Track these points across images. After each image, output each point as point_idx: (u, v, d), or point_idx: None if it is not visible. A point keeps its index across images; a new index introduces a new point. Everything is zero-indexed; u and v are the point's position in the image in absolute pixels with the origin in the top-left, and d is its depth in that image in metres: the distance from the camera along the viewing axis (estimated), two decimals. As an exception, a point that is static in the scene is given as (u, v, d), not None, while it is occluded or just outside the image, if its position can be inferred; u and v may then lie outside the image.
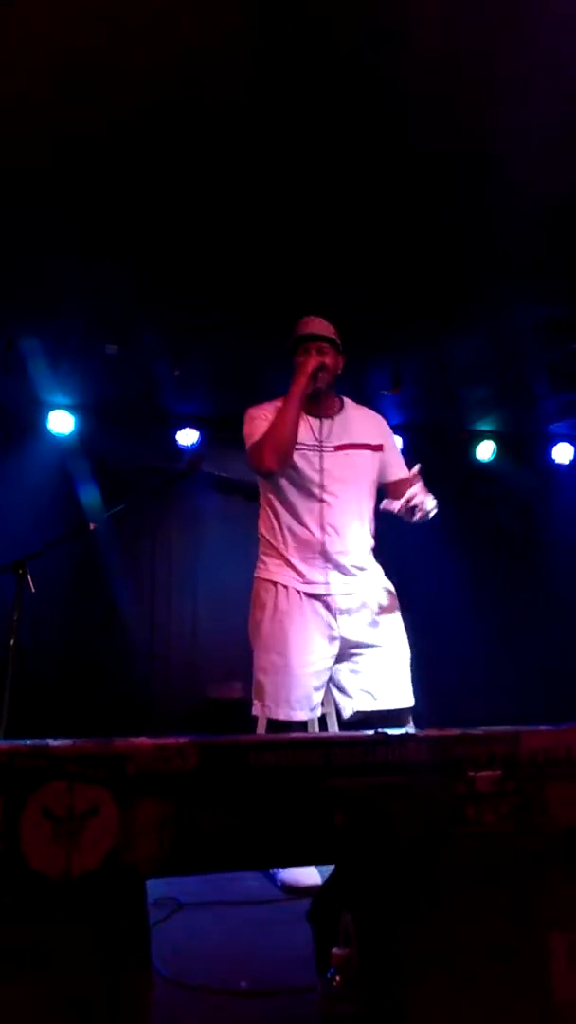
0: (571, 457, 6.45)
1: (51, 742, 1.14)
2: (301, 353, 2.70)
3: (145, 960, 1.26)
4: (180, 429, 5.67)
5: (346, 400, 2.87)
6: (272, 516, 2.76)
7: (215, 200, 3.58)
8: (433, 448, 6.37)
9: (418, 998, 1.19)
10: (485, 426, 6.42)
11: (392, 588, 2.80)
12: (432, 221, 3.73)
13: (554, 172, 3.33)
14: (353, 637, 2.66)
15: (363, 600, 2.68)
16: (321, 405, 2.74)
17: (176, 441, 5.67)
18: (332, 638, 2.65)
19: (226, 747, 1.24)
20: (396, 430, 6.18)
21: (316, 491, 2.65)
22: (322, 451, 2.66)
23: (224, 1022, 1.74)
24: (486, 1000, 1.15)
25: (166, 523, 5.82)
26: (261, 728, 2.64)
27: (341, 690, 2.67)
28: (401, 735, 1.25)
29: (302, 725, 2.59)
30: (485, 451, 6.39)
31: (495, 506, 6.39)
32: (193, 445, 5.69)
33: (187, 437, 5.67)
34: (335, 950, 1.41)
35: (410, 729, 2.69)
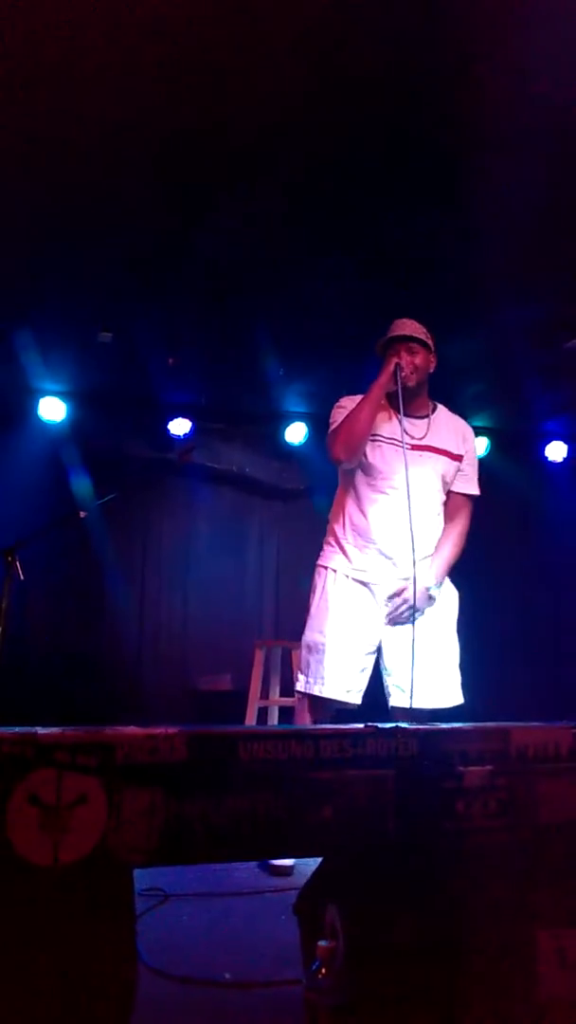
0: (564, 455, 6.46)
1: (39, 730, 1.13)
2: (391, 355, 2.76)
3: (131, 949, 1.26)
4: (172, 419, 5.65)
5: (440, 406, 2.95)
6: (341, 504, 2.83)
7: (210, 187, 3.56)
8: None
9: (403, 991, 1.19)
10: (478, 422, 6.43)
11: (454, 591, 2.86)
12: (426, 219, 3.73)
13: (549, 174, 3.34)
14: (397, 629, 2.71)
15: (411, 596, 2.66)
16: (413, 404, 2.80)
17: (168, 431, 5.65)
18: (376, 625, 2.71)
19: (215, 738, 1.23)
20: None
21: (386, 485, 2.71)
22: (403, 448, 2.69)
23: (208, 1013, 1.74)
24: (471, 997, 1.15)
25: (156, 513, 5.80)
26: (301, 706, 2.73)
27: (387, 682, 2.74)
28: (391, 728, 1.25)
29: (340, 706, 2.66)
30: (478, 447, 6.40)
31: (489, 503, 6.39)
32: (185, 435, 5.67)
33: (179, 427, 5.65)
34: (321, 943, 1.41)
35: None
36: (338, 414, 2.79)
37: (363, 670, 2.68)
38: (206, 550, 5.73)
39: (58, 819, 1.08)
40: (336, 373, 5.53)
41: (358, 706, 2.66)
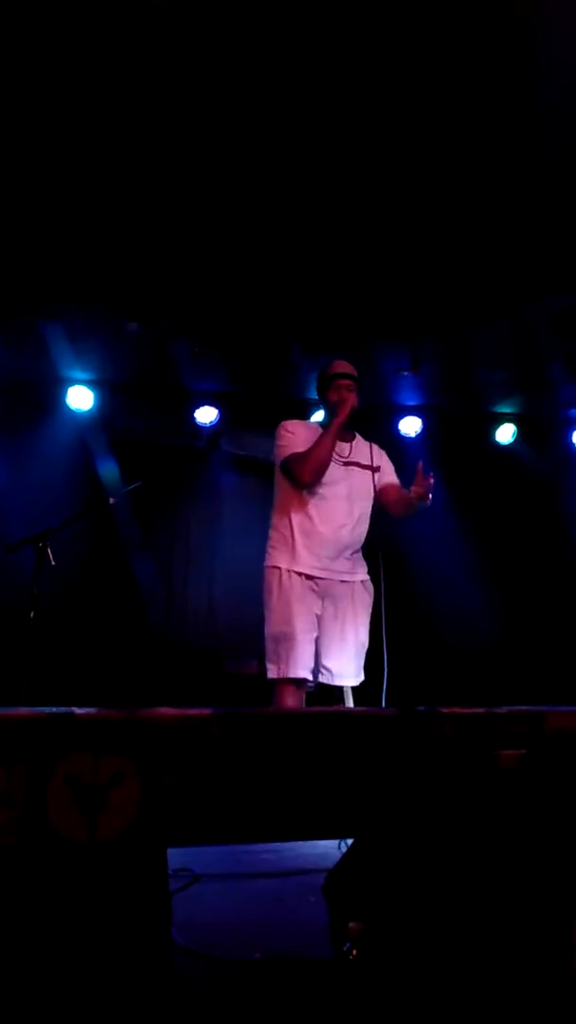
0: (591, 441, 6.39)
1: (76, 711, 1.15)
2: (333, 390, 3.28)
3: (165, 927, 1.28)
4: (199, 407, 5.66)
5: (357, 433, 3.46)
6: (286, 510, 3.26)
7: (239, 179, 3.56)
8: (452, 430, 6.34)
9: (437, 975, 1.20)
10: (505, 409, 6.38)
11: (371, 586, 3.36)
12: (455, 206, 3.71)
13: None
14: (328, 617, 3.19)
15: (343, 588, 3.22)
16: (344, 432, 3.33)
17: (195, 419, 5.66)
18: (316, 615, 3.18)
19: (248, 719, 1.24)
20: (415, 412, 6.19)
21: (327, 493, 3.21)
22: (337, 465, 3.24)
23: (238, 992, 1.76)
24: (506, 973, 1.15)
25: (183, 500, 5.83)
26: (280, 691, 3.13)
27: (316, 663, 3.19)
28: (427, 712, 1.25)
29: (303, 684, 3.12)
30: (505, 434, 6.35)
31: (515, 489, 6.36)
32: (212, 423, 5.68)
33: (206, 415, 5.66)
34: (352, 924, 1.41)
35: (348, 702, 3.31)
36: (289, 439, 3.24)
37: (314, 653, 3.16)
38: (232, 536, 5.74)
39: (95, 798, 1.10)
40: (357, 364, 5.53)
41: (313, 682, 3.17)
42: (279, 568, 3.21)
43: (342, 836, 1.46)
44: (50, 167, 3.49)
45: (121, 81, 3.02)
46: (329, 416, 3.30)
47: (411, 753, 1.23)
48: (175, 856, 2.21)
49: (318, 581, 3.18)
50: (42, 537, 3.07)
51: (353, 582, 3.28)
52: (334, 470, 3.23)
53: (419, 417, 6.22)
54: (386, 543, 5.98)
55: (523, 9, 2.62)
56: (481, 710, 1.28)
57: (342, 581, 3.24)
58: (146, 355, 5.25)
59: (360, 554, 3.35)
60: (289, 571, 3.18)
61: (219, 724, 1.19)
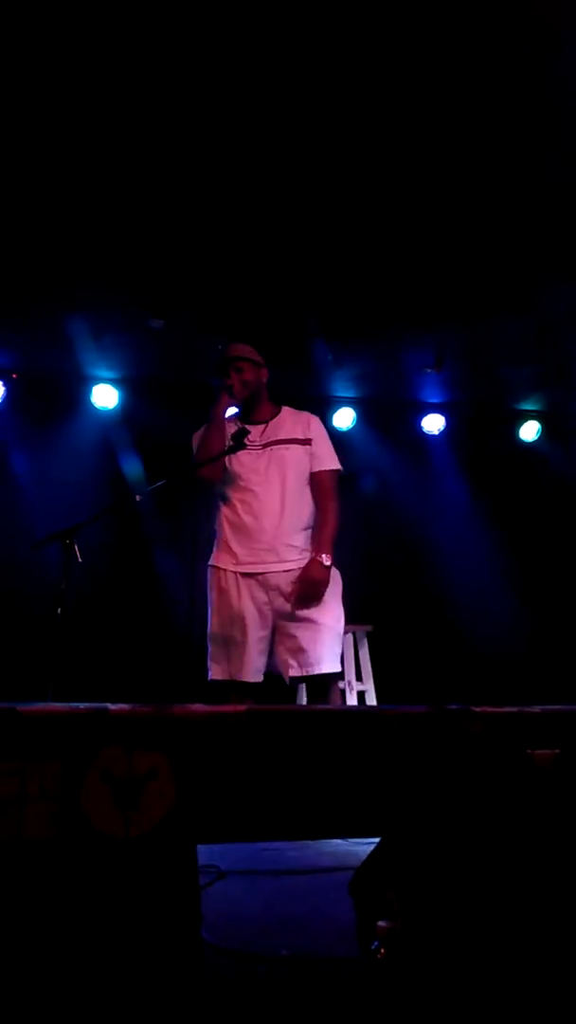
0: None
1: (110, 706, 1.16)
2: (224, 378, 3.15)
3: (195, 922, 1.28)
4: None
5: (284, 408, 3.27)
6: (216, 510, 3.16)
7: (263, 174, 3.56)
8: (475, 427, 6.31)
9: (471, 976, 1.20)
10: (529, 406, 6.33)
11: (336, 571, 3.08)
12: (477, 201, 3.69)
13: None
14: (285, 610, 2.98)
15: (295, 577, 2.98)
16: (254, 413, 3.21)
17: (219, 417, 5.66)
18: (267, 612, 3.00)
19: (280, 716, 1.24)
20: (439, 409, 6.17)
21: (246, 484, 3.07)
22: (252, 450, 3.08)
23: (265, 988, 1.77)
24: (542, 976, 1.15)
25: (206, 498, 5.85)
26: (222, 692, 3.00)
27: (280, 659, 2.99)
28: (459, 710, 1.25)
29: (251, 687, 2.97)
30: (529, 431, 6.30)
31: (542, 484, 6.32)
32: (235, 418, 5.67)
33: (230, 413, 5.66)
34: (381, 923, 1.41)
35: (342, 686, 3.18)
36: (194, 442, 3.18)
37: (261, 652, 2.98)
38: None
39: (130, 794, 1.11)
40: (381, 362, 5.52)
41: (260, 683, 2.98)
42: (216, 568, 3.08)
43: (370, 835, 1.45)
44: (76, 163, 3.51)
45: (154, 81, 3.04)
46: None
47: (443, 752, 1.23)
48: (200, 852, 2.23)
49: (258, 577, 2.99)
50: (70, 533, 3.09)
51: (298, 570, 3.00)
52: (249, 457, 3.07)
53: (442, 414, 6.20)
54: (408, 541, 5.99)
55: None
56: (513, 709, 1.27)
57: (286, 571, 2.99)
58: (170, 353, 5.27)
59: (308, 534, 3.08)
60: (225, 571, 3.04)
61: (251, 721, 1.19)
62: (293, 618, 2.97)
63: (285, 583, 2.98)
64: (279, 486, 3.05)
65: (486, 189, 3.65)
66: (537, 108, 3.14)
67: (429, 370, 5.45)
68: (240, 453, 3.07)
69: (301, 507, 3.09)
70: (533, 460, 6.36)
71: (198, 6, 2.68)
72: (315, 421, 3.27)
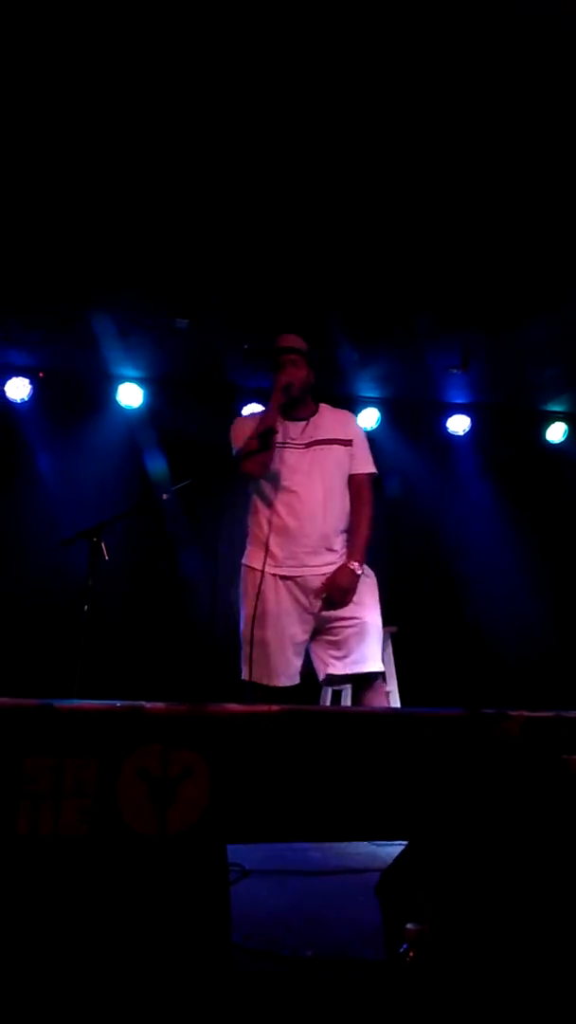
0: None
1: (145, 704, 1.16)
2: (276, 368, 3.03)
3: (225, 923, 1.28)
4: (247, 404, 5.68)
5: (322, 405, 3.18)
6: (255, 509, 3.07)
7: (292, 175, 3.56)
8: (501, 428, 6.26)
9: (502, 981, 1.19)
10: (556, 407, 6.28)
11: (371, 571, 3.04)
12: (505, 203, 3.67)
13: None
14: (327, 612, 2.93)
15: (342, 580, 2.91)
16: (297, 410, 3.07)
17: (243, 415, 5.67)
18: (307, 615, 2.94)
19: (315, 717, 1.24)
20: (464, 409, 6.14)
21: (288, 484, 2.96)
22: (295, 449, 3.00)
23: (290, 988, 1.76)
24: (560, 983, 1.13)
25: (230, 497, 5.86)
26: (251, 694, 2.93)
27: (319, 658, 2.95)
28: (495, 714, 1.24)
29: (283, 691, 2.90)
30: (556, 432, 6.25)
31: (565, 488, 6.27)
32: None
33: (256, 410, 5.67)
34: (409, 926, 1.40)
35: (388, 689, 3.10)
36: (233, 436, 3.07)
37: (297, 655, 2.92)
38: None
39: (166, 792, 1.11)
40: (406, 362, 5.50)
41: (297, 684, 2.92)
42: (252, 568, 2.99)
43: (397, 838, 1.44)
44: (105, 166, 3.53)
45: (178, 79, 3.05)
46: None
47: (478, 755, 1.22)
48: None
49: (298, 580, 2.93)
50: (97, 531, 3.11)
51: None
52: (292, 456, 2.98)
53: (468, 415, 6.16)
54: (432, 543, 5.96)
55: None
56: (550, 713, 1.26)
57: (324, 574, 2.93)
58: (195, 353, 5.29)
59: (345, 536, 3.02)
60: (263, 572, 2.94)
61: (286, 721, 1.19)
62: (338, 618, 2.91)
63: (334, 586, 2.92)
64: (321, 487, 2.98)
65: (514, 192, 3.63)
66: (570, 110, 3.10)
67: (455, 370, 5.42)
68: (283, 451, 2.98)
69: (341, 509, 3.02)
70: (559, 462, 6.30)
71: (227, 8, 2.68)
72: (354, 420, 3.21)
